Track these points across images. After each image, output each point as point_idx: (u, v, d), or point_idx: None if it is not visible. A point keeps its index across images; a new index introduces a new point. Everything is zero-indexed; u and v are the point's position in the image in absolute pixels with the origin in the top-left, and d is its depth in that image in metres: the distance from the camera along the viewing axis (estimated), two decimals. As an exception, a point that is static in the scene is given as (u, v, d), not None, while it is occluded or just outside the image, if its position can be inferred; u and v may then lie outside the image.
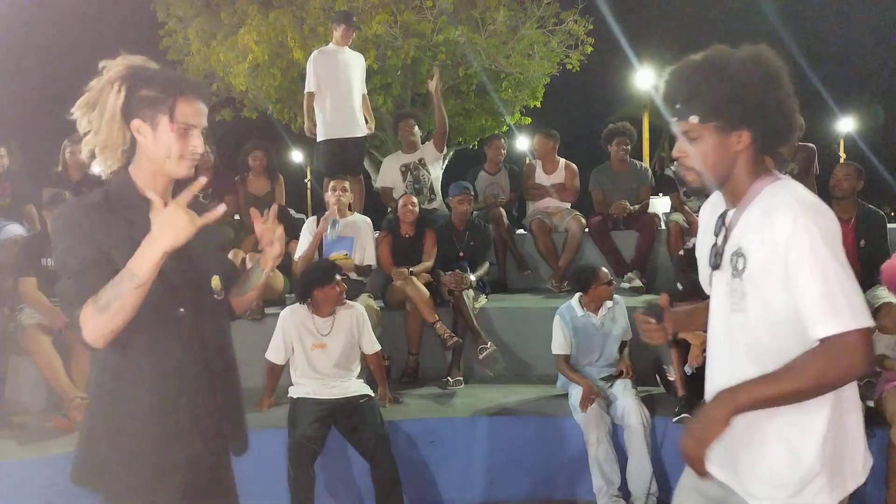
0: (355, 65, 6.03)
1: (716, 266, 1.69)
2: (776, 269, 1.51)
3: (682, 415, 3.80)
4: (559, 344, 4.14)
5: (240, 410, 2.00)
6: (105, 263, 1.65)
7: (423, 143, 6.24)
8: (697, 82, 1.57)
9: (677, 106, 1.61)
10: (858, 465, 1.61)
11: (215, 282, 1.89)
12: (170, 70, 1.83)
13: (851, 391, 1.61)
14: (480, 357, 4.49)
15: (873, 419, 3.56)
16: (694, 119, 1.58)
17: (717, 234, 1.71)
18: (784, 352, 1.53)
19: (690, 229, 5.41)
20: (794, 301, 1.50)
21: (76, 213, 1.71)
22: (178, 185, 1.80)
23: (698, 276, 1.89)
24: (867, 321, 1.46)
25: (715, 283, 1.72)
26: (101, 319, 1.58)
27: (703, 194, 1.81)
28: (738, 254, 1.61)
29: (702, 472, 1.60)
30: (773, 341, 1.57)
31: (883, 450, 3.53)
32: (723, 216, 1.70)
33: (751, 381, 1.54)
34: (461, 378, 4.66)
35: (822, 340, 1.47)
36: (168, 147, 1.73)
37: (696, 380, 3.77)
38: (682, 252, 4.70)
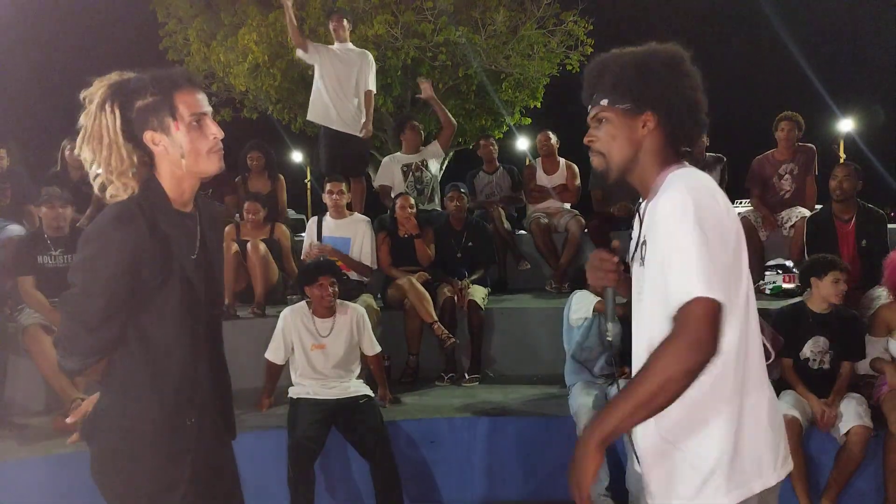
0: (360, 63, 5.99)
1: (632, 258, 1.70)
2: (657, 247, 1.51)
3: None
4: (589, 303, 4.04)
5: (231, 405, 2.01)
6: (120, 287, 1.64)
7: (424, 143, 6.25)
8: (606, 65, 1.62)
9: (592, 94, 1.65)
10: (766, 465, 1.55)
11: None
12: (152, 70, 1.73)
13: (757, 388, 1.56)
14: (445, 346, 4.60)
15: (872, 421, 3.56)
16: (604, 102, 1.61)
17: (635, 228, 1.72)
18: None
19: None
20: (663, 275, 1.47)
21: (113, 231, 1.64)
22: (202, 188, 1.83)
23: None
24: (718, 294, 1.39)
25: (633, 276, 1.72)
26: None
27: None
28: (644, 242, 1.61)
29: None
30: (666, 328, 1.48)
31: (881, 450, 3.52)
32: (638, 208, 1.71)
33: (609, 404, 1.48)
34: (477, 376, 4.71)
35: (675, 317, 1.41)
36: (189, 145, 1.68)
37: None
38: None
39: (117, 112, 1.65)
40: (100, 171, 1.68)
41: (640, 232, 1.66)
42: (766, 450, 1.55)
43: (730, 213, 1.52)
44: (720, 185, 6.17)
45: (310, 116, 6.07)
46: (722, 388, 1.51)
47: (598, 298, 4.11)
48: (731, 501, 1.50)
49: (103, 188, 1.69)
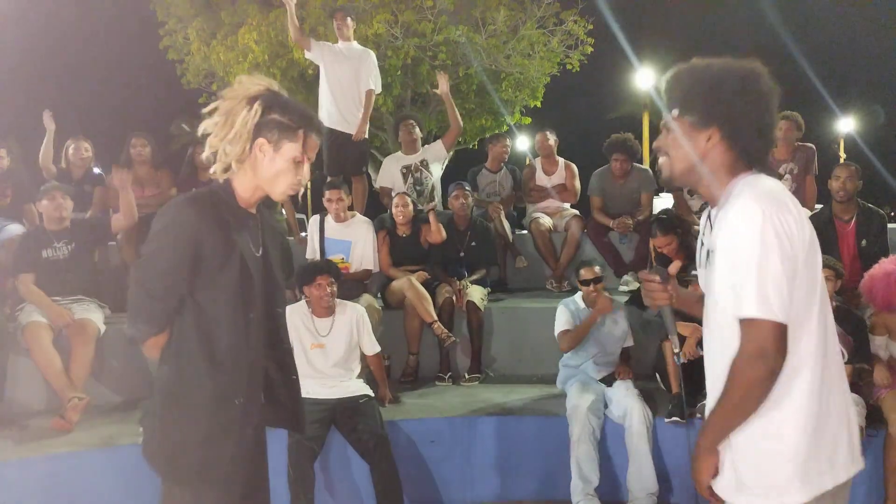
0: (362, 62, 5.99)
1: (701, 263, 1.76)
2: (724, 254, 1.58)
3: (674, 417, 3.81)
4: (562, 322, 4.16)
5: (300, 399, 2.19)
6: (182, 259, 1.81)
7: (426, 143, 6.24)
8: (680, 76, 1.68)
9: (667, 100, 1.71)
10: (838, 461, 1.60)
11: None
12: (296, 101, 1.96)
13: (834, 387, 1.62)
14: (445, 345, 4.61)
15: (872, 420, 3.56)
16: (675, 112, 1.68)
17: (704, 234, 1.77)
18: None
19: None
20: (729, 282, 1.56)
21: (186, 208, 1.83)
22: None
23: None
24: (782, 317, 1.50)
25: (703, 281, 1.77)
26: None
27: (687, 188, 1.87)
28: (712, 249, 1.66)
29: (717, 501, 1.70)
30: (734, 332, 1.59)
31: (881, 450, 3.52)
32: (709, 216, 1.76)
33: (710, 414, 1.64)
34: (478, 376, 4.72)
35: (742, 323, 1.54)
36: (281, 172, 1.88)
37: (690, 377, 3.78)
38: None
39: (258, 112, 1.83)
40: (213, 149, 1.86)
41: (709, 239, 1.70)
42: (839, 446, 1.61)
43: (801, 222, 1.56)
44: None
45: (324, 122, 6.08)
46: (799, 389, 1.57)
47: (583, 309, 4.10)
48: (805, 497, 1.56)
49: (210, 162, 1.88)
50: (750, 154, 1.66)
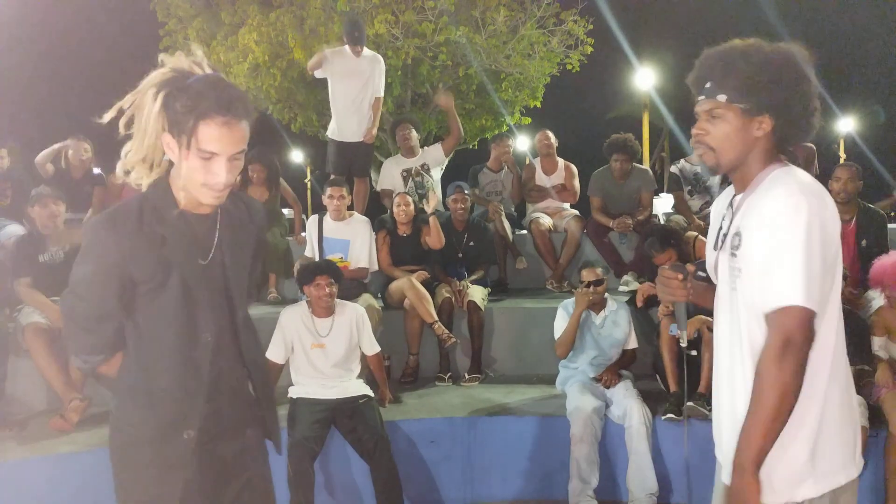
0: (371, 70, 5.98)
1: (717, 246, 1.73)
2: (762, 242, 1.54)
3: (669, 414, 3.81)
4: (560, 326, 4.17)
5: (275, 413, 1.97)
6: (108, 288, 1.60)
7: (425, 143, 6.25)
8: (733, 61, 1.60)
9: (707, 85, 1.64)
10: (849, 458, 1.61)
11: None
12: (209, 80, 1.55)
13: (844, 383, 1.62)
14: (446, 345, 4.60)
15: (872, 420, 3.56)
16: (721, 98, 1.61)
17: (723, 219, 1.74)
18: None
19: (689, 228, 5.39)
20: (763, 271, 1.53)
21: (102, 230, 1.59)
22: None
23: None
24: (814, 304, 1.48)
25: (719, 265, 1.75)
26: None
27: (707, 192, 1.83)
28: (737, 233, 1.64)
29: None
30: (763, 320, 1.57)
31: (882, 450, 3.52)
32: (731, 202, 1.74)
33: (744, 429, 1.54)
34: (478, 376, 4.71)
35: (769, 316, 1.51)
36: (191, 172, 1.57)
37: (688, 376, 3.80)
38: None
39: (159, 101, 1.54)
40: (128, 149, 1.60)
41: (730, 223, 1.69)
42: (850, 442, 1.61)
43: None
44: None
45: (330, 133, 6.09)
46: (817, 383, 1.56)
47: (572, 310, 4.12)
48: (819, 492, 1.56)
49: (127, 171, 1.62)
50: (790, 142, 1.65)
